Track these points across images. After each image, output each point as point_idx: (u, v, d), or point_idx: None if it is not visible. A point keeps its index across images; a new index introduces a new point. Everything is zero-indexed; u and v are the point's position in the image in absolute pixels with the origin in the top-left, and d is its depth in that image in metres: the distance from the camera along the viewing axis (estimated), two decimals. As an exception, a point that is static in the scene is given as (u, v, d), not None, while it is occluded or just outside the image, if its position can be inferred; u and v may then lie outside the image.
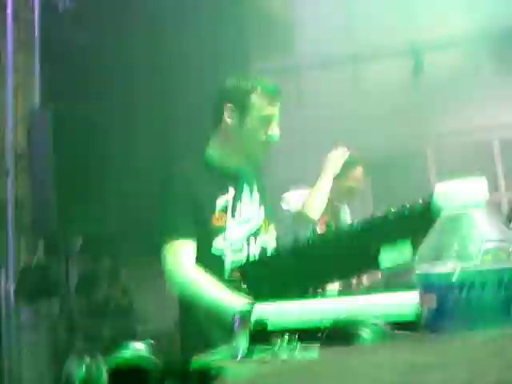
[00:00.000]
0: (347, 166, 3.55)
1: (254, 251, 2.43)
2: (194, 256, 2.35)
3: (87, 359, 1.09)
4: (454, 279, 0.79)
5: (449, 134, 4.36)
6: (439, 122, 4.27)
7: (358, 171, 3.63)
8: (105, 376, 1.07)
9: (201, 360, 1.28)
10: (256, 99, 2.41)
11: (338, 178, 3.53)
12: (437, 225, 0.89)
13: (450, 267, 0.82)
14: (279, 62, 4.41)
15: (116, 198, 3.18)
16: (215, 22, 4.15)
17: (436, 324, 0.82)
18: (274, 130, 2.44)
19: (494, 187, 4.17)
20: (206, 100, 2.63)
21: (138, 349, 1.17)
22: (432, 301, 0.84)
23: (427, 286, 0.86)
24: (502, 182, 4.78)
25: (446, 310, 0.81)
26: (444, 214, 0.89)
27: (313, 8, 4.52)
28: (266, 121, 2.42)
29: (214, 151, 2.51)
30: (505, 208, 4.35)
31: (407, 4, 4.40)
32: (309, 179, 3.75)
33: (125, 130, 3.38)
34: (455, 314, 0.80)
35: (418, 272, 0.89)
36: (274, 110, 2.44)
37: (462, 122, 4.34)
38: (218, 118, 2.47)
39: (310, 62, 4.44)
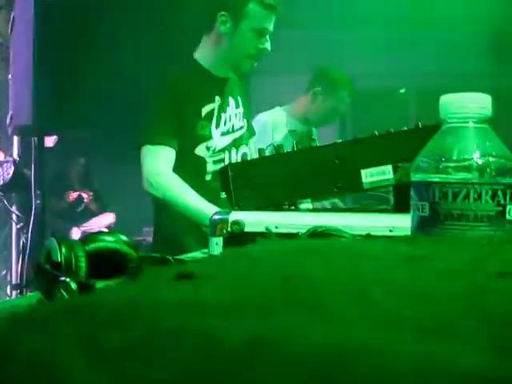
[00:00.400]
0: (336, 85, 3.55)
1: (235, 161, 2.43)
2: (173, 162, 2.35)
3: (68, 241, 1.09)
4: (449, 189, 0.80)
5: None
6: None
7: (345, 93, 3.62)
8: (84, 257, 1.06)
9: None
10: (252, 9, 2.37)
11: (324, 96, 3.53)
12: (437, 135, 0.89)
13: (445, 177, 0.83)
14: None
15: (95, 99, 3.12)
16: None
17: (427, 231, 0.84)
18: (266, 44, 2.40)
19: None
20: (200, 3, 2.57)
21: (116, 235, 1.17)
22: (425, 209, 0.85)
23: (422, 194, 0.87)
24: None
25: (438, 218, 0.82)
26: (445, 125, 0.89)
27: None
28: (259, 33, 2.38)
29: (203, 57, 2.47)
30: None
31: None
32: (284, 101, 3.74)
33: (112, 27, 3.30)
34: (447, 222, 0.81)
35: (413, 180, 0.90)
36: (269, 23, 2.40)
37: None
38: (211, 24, 2.42)
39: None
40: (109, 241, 1.12)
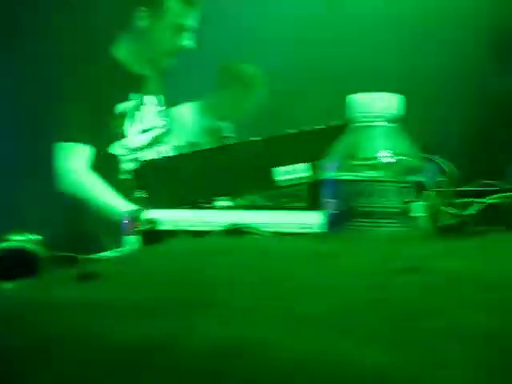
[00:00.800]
0: (246, 82, 3.55)
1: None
2: (88, 159, 2.30)
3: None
4: (357, 187, 0.82)
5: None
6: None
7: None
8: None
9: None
10: (172, 5, 2.34)
11: (234, 92, 3.54)
12: (345, 134, 0.91)
13: (353, 175, 0.84)
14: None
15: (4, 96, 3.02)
16: None
17: (337, 228, 0.85)
18: (186, 40, 2.38)
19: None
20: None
21: (24, 235, 1.13)
22: (335, 206, 0.86)
23: (332, 192, 0.88)
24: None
25: (347, 215, 0.83)
26: (353, 124, 0.90)
27: None
28: (179, 29, 2.35)
29: (121, 53, 2.42)
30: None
31: None
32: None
33: (26, 17, 3.21)
34: (355, 220, 0.83)
35: (323, 178, 0.91)
36: (189, 19, 2.38)
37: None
38: (130, 20, 2.38)
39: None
40: (15, 240, 1.08)
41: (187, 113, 3.55)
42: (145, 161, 1.54)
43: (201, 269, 0.52)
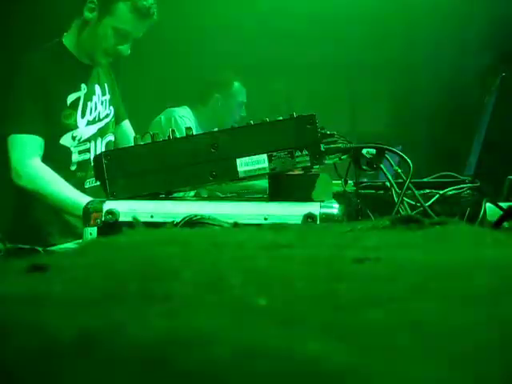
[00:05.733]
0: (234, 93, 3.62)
1: (101, 151, 2.37)
2: (41, 151, 2.27)
3: None
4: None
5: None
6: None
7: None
8: None
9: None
10: (122, 8, 2.29)
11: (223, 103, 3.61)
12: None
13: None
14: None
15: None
16: None
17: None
18: (124, 47, 2.33)
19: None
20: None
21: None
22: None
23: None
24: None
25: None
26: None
27: None
28: (120, 34, 2.31)
29: (70, 42, 2.38)
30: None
31: None
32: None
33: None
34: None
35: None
36: (137, 28, 2.33)
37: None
38: (80, 9, 2.33)
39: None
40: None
41: (187, 115, 3.56)
42: (104, 152, 1.53)
43: (152, 261, 0.52)
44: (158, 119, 3.52)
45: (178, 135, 1.57)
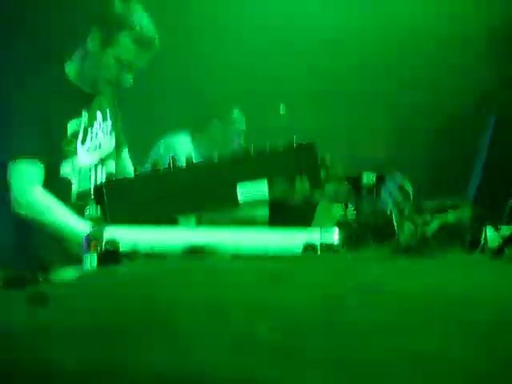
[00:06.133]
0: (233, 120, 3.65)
1: (101, 179, 2.37)
2: (42, 178, 2.27)
3: None
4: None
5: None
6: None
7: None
8: None
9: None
10: (124, 39, 2.31)
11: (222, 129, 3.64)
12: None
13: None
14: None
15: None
16: None
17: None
18: (126, 77, 2.35)
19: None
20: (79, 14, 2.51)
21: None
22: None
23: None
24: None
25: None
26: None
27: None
28: (124, 64, 2.33)
29: (72, 70, 2.40)
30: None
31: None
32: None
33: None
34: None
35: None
36: (139, 58, 2.35)
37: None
38: (83, 37, 2.36)
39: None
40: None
41: (185, 143, 3.58)
42: (106, 181, 1.53)
43: (152, 292, 0.52)
44: (157, 146, 3.54)
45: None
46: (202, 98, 3.91)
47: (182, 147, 3.52)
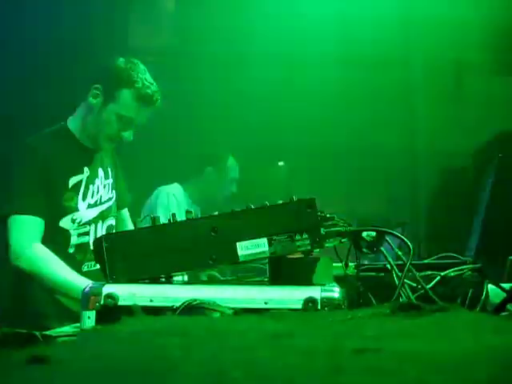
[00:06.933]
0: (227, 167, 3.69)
1: (101, 234, 2.37)
2: (42, 232, 2.27)
3: None
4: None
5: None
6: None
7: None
8: None
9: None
10: (126, 96, 2.34)
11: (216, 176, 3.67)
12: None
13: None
14: (159, 43, 4.40)
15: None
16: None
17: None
18: (127, 133, 2.37)
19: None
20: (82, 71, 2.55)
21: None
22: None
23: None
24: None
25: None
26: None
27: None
28: (123, 120, 2.36)
29: (74, 126, 2.43)
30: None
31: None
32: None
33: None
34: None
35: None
36: (140, 115, 2.37)
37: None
38: (85, 94, 2.39)
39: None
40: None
41: (177, 193, 3.60)
42: (105, 235, 1.53)
43: (152, 353, 0.52)
44: (151, 198, 3.58)
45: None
46: (198, 148, 3.94)
47: (174, 198, 3.55)
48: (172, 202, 3.58)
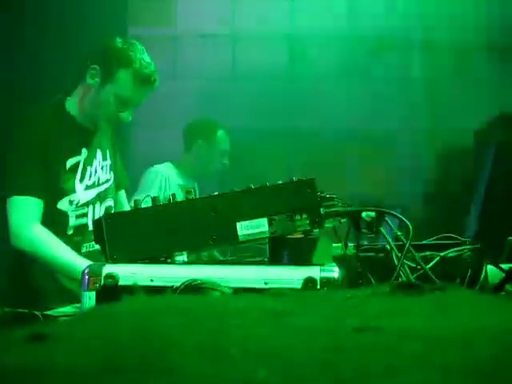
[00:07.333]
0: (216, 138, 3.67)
1: (99, 215, 2.37)
2: (41, 213, 2.27)
3: None
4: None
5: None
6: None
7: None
8: None
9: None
10: (124, 76, 2.32)
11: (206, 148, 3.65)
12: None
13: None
14: (158, 29, 4.38)
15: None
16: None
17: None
18: (125, 113, 2.36)
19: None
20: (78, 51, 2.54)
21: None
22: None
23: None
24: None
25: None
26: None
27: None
28: (122, 101, 2.34)
29: (72, 106, 2.41)
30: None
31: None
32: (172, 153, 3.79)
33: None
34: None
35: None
36: (139, 94, 2.36)
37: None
38: (83, 74, 2.37)
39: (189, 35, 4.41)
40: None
41: (166, 169, 3.59)
42: (105, 215, 1.53)
43: (152, 332, 0.52)
44: (145, 174, 3.59)
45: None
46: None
47: (164, 176, 3.56)
48: (158, 181, 3.58)
